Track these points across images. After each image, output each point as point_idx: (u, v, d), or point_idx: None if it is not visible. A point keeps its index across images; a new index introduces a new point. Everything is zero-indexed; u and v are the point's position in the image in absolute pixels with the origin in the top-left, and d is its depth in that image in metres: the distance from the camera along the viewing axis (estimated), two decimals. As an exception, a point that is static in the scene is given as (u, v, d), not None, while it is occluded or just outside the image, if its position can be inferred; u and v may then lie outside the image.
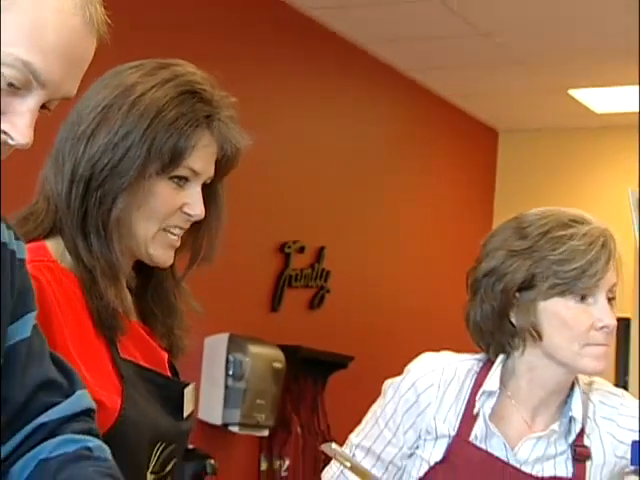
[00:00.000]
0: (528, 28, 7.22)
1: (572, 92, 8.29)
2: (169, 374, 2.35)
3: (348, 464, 1.40)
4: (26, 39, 1.61)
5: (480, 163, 9.18)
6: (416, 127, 8.36)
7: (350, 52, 7.59)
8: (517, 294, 2.76)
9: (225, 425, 6.55)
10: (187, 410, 2.33)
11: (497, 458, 2.79)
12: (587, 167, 8.89)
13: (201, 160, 2.24)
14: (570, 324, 2.74)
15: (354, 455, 2.75)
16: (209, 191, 2.32)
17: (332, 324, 7.40)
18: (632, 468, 1.28)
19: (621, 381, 6.93)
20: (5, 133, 1.64)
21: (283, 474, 6.97)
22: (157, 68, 2.26)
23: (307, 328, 7.21)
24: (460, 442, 2.77)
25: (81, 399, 1.89)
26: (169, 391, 2.30)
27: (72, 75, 1.68)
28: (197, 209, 2.24)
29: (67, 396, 1.86)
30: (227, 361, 6.53)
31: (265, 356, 6.68)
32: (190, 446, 5.78)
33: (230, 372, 6.54)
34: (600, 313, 2.72)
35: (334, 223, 7.49)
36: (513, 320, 2.78)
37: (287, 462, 6.97)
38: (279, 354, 6.79)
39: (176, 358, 2.41)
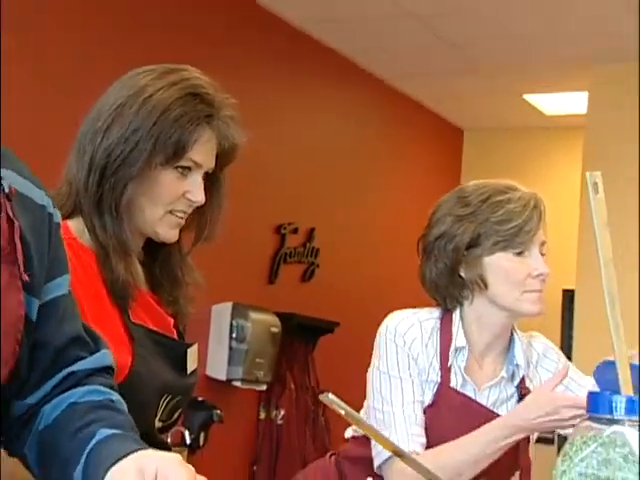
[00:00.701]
0: (490, 41, 7.21)
1: (526, 96, 8.28)
2: (175, 337, 2.36)
3: (342, 412, 1.38)
4: None
5: (448, 157, 9.18)
6: (392, 126, 8.37)
7: (338, 63, 7.57)
8: (465, 252, 2.80)
9: (229, 380, 6.56)
10: (190, 367, 2.35)
11: (474, 400, 2.82)
12: (538, 161, 8.90)
13: (202, 153, 2.25)
14: (511, 274, 2.79)
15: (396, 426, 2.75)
16: (211, 180, 2.34)
17: (321, 295, 7.41)
18: (587, 416, 1.26)
19: (566, 349, 6.91)
20: None
21: (279, 422, 6.98)
22: (166, 72, 2.29)
23: (299, 298, 7.22)
24: (444, 388, 2.80)
25: (105, 357, 1.89)
26: (174, 351, 2.32)
27: None
28: (198, 196, 2.26)
29: (92, 353, 1.86)
30: (231, 326, 6.53)
31: (264, 322, 6.68)
32: (200, 398, 5.87)
33: (234, 335, 6.54)
34: (535, 263, 2.78)
35: (323, 208, 7.49)
36: (462, 274, 2.82)
37: (282, 412, 6.99)
38: (276, 320, 6.79)
39: (182, 323, 2.41)
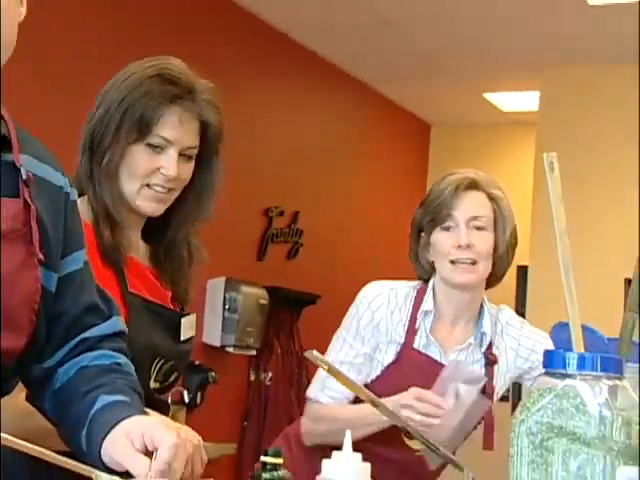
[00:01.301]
0: (454, 45, 7.19)
1: (486, 95, 8.28)
2: (172, 307, 2.30)
3: (326, 367, 1.37)
4: None
5: (417, 149, 9.19)
6: (367, 121, 8.38)
7: (319, 65, 7.55)
8: (422, 234, 2.86)
9: (223, 347, 6.55)
10: (185, 335, 2.30)
11: (436, 361, 2.82)
12: (497, 152, 8.91)
13: (170, 130, 2.17)
14: (437, 246, 2.82)
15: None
16: (202, 160, 2.28)
17: (304, 270, 7.40)
18: (544, 371, 1.25)
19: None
20: None
21: (267, 383, 6.98)
22: (149, 61, 2.24)
23: (285, 273, 7.20)
24: (407, 348, 2.80)
25: (116, 323, 1.88)
26: (169, 319, 2.26)
27: None
28: (171, 171, 2.18)
29: (105, 319, 1.85)
30: (224, 298, 6.53)
31: (253, 294, 6.68)
32: (197, 362, 5.86)
33: (227, 307, 6.53)
34: (458, 237, 2.78)
35: (306, 194, 7.48)
36: (427, 256, 2.87)
37: (270, 374, 6.98)
38: (264, 293, 6.79)
39: (184, 303, 2.36)
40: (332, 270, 7.70)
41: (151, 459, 1.55)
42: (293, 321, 7.23)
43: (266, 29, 6.90)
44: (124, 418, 1.62)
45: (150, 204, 2.22)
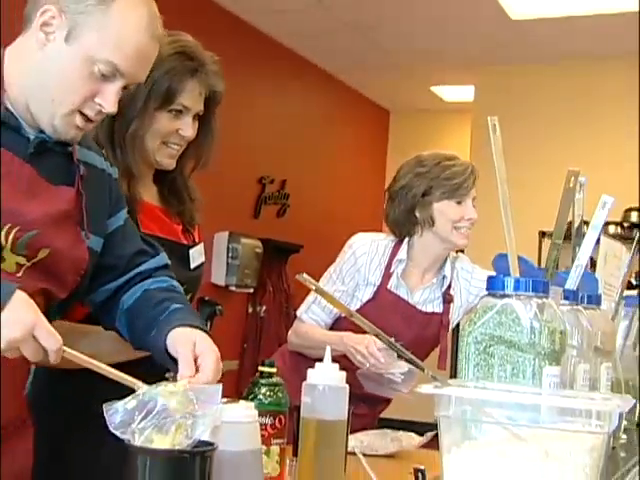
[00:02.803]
0: (407, 46, 7.17)
1: (432, 88, 8.26)
2: (181, 240, 2.23)
3: (314, 287, 1.35)
4: (114, 47, 1.55)
5: (378, 130, 9.17)
6: (338, 108, 8.36)
7: (299, 64, 7.50)
8: (420, 199, 2.79)
9: (227, 286, 6.55)
10: (194, 263, 2.23)
11: (403, 299, 2.81)
12: (440, 133, 8.93)
13: (189, 99, 2.11)
14: (451, 215, 2.79)
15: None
16: (203, 120, 2.19)
17: (290, 226, 7.41)
18: (486, 293, 1.24)
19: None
20: (100, 105, 1.57)
21: (262, 315, 6.98)
22: (167, 37, 2.09)
23: (275, 228, 7.21)
24: (382, 289, 2.81)
25: (162, 258, 1.88)
26: (179, 250, 2.18)
27: (142, 68, 1.63)
28: (188, 132, 2.11)
29: (153, 256, 1.86)
30: (228, 248, 6.51)
31: (251, 245, 6.67)
32: (206, 298, 5.80)
33: (230, 254, 6.52)
34: (468, 211, 2.80)
35: (292, 166, 7.46)
36: (417, 214, 2.81)
37: (264, 307, 6.99)
38: (259, 244, 6.80)
39: (191, 226, 2.29)
40: (312, 225, 7.71)
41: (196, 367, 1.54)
42: (282, 265, 7.22)
43: (264, 39, 6.86)
44: (190, 324, 1.63)
45: (167, 160, 2.16)
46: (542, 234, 6.84)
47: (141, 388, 1.39)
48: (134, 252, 1.81)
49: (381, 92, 8.59)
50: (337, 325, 2.84)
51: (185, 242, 2.24)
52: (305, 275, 1.19)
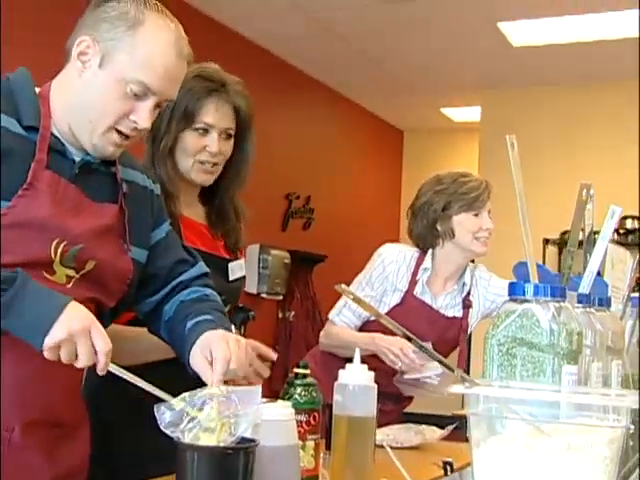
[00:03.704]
0: (419, 71, 7.15)
1: (442, 109, 8.23)
2: (223, 255, 2.19)
3: (351, 297, 1.33)
4: (143, 67, 1.55)
5: (393, 148, 9.11)
6: (356, 129, 8.31)
7: (319, 90, 7.50)
8: (441, 213, 2.79)
9: (258, 293, 6.52)
10: (233, 276, 2.19)
11: (427, 304, 2.81)
12: (450, 151, 8.87)
13: (211, 116, 2.07)
14: (469, 227, 2.79)
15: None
16: (239, 141, 2.16)
17: (315, 238, 7.36)
18: (508, 298, 1.22)
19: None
20: (135, 122, 1.57)
21: (291, 320, 6.93)
22: (192, 66, 2.09)
23: (302, 240, 7.16)
24: (409, 295, 2.81)
25: (201, 267, 1.87)
26: (219, 263, 2.15)
27: (172, 86, 1.61)
28: (214, 147, 2.07)
29: (192, 266, 1.85)
30: (259, 259, 6.49)
31: (279, 256, 6.65)
32: (240, 305, 5.79)
33: (261, 265, 6.50)
34: (485, 222, 2.79)
35: (316, 183, 7.40)
36: (438, 228, 2.80)
37: (293, 313, 6.95)
38: (287, 255, 6.76)
39: (235, 249, 2.24)
40: (335, 237, 7.66)
41: None
42: (308, 274, 7.18)
43: (289, 68, 6.87)
44: (201, 333, 1.62)
45: (201, 176, 2.12)
46: (546, 241, 6.79)
47: (181, 399, 1.38)
48: (175, 261, 1.81)
49: (395, 114, 8.57)
50: (365, 327, 2.83)
51: (225, 256, 2.21)
52: (343, 286, 1.18)
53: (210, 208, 2.23)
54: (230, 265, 2.20)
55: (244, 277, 2.28)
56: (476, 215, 2.77)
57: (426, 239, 2.82)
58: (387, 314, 2.76)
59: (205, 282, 1.84)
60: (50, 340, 1.38)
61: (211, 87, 2.09)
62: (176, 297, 1.78)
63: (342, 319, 2.84)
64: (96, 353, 1.40)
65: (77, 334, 1.38)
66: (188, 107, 2.06)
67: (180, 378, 1.50)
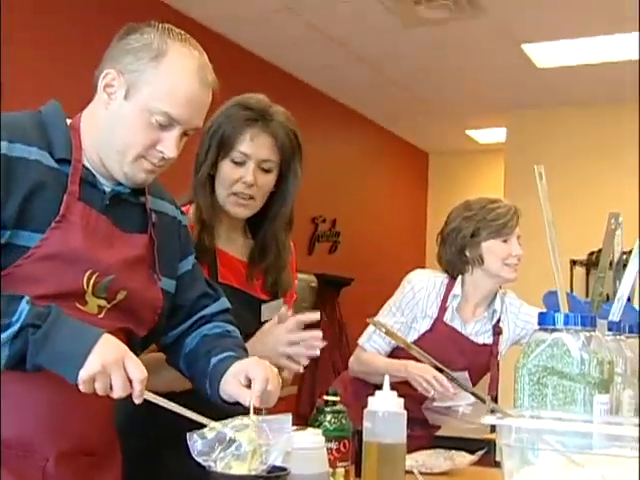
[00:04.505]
0: (444, 94, 7.16)
1: (467, 131, 8.23)
2: (259, 294, 2.08)
3: (384, 329, 1.33)
4: (166, 98, 1.56)
5: (418, 170, 9.12)
6: (382, 152, 8.32)
7: (346, 115, 7.52)
8: (469, 239, 2.78)
9: (285, 317, 6.51)
10: (264, 317, 2.05)
11: (458, 331, 2.81)
12: (475, 173, 8.87)
13: (249, 147, 1.98)
14: (499, 253, 2.78)
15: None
16: (282, 175, 2.07)
17: (341, 261, 7.36)
18: (538, 328, 1.22)
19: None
20: (161, 152, 1.58)
21: (316, 343, 6.92)
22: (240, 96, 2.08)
23: (328, 263, 7.16)
24: (439, 321, 2.79)
25: (223, 303, 1.86)
26: (252, 303, 2.06)
27: (196, 115, 1.62)
28: (248, 178, 1.98)
29: (215, 300, 1.84)
30: (286, 283, 6.49)
31: (306, 279, 6.63)
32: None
33: (287, 288, 6.50)
34: (514, 248, 2.78)
35: (341, 207, 7.42)
36: (467, 254, 2.79)
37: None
38: (313, 278, 6.73)
39: (272, 289, 2.10)
40: (361, 260, 7.64)
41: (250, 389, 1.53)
42: (335, 297, 7.17)
43: (315, 93, 6.91)
44: (228, 367, 1.62)
45: (235, 209, 2.03)
46: (573, 262, 6.75)
47: (215, 426, 1.39)
48: (198, 295, 1.80)
49: (421, 136, 8.58)
50: (395, 353, 2.82)
51: (260, 296, 2.10)
52: (375, 318, 1.18)
53: (254, 244, 2.12)
54: (263, 306, 2.09)
55: None
56: (505, 241, 2.76)
57: (455, 265, 2.81)
58: (417, 341, 2.77)
59: (227, 318, 1.83)
60: (84, 373, 1.39)
61: (249, 116, 2.01)
62: (198, 330, 1.78)
63: (372, 345, 2.83)
64: (131, 382, 1.41)
65: (110, 366, 1.40)
66: (224, 135, 2.00)
67: (195, 410, 1.50)
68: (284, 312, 1.97)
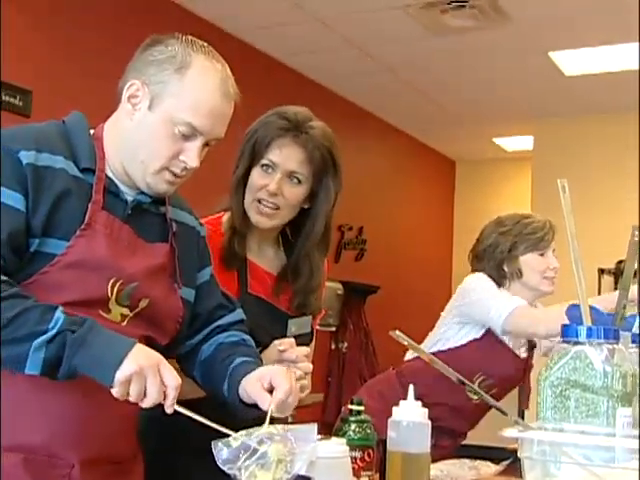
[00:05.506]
0: (470, 104, 7.15)
1: (494, 139, 8.21)
2: (284, 309, 2.05)
3: (406, 342, 1.34)
4: (190, 109, 1.58)
5: (445, 179, 9.10)
6: (408, 161, 8.32)
7: (374, 123, 7.51)
8: (507, 254, 2.78)
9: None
10: (290, 332, 2.01)
11: (505, 344, 2.81)
12: (503, 181, 8.84)
13: (278, 156, 1.96)
14: (536, 266, 2.79)
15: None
16: (314, 191, 2.04)
17: (367, 269, 7.35)
18: (560, 340, 1.22)
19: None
20: (184, 162, 1.60)
21: (344, 351, 6.90)
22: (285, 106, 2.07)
23: (354, 271, 7.15)
24: (490, 332, 2.78)
25: (239, 313, 1.87)
26: (279, 318, 2.02)
27: (219, 126, 1.64)
28: (272, 186, 1.95)
29: (230, 311, 1.85)
30: (312, 291, 6.49)
31: (333, 287, 6.63)
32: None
33: (314, 296, 6.50)
34: (551, 261, 2.79)
35: (367, 215, 7.41)
36: (505, 268, 2.80)
37: (345, 344, 6.91)
38: (340, 286, 6.75)
39: (297, 310, 2.06)
40: (388, 268, 7.63)
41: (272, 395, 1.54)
42: (361, 305, 7.16)
43: (346, 103, 6.92)
44: (254, 369, 1.64)
45: (256, 216, 1.99)
46: (601, 271, 6.69)
47: (238, 437, 1.40)
48: (215, 305, 1.81)
49: (448, 145, 8.57)
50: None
51: (289, 311, 2.06)
52: (398, 332, 1.19)
53: (288, 263, 2.08)
54: (290, 321, 2.05)
55: (307, 335, 2.12)
56: (542, 255, 2.77)
57: (494, 280, 2.81)
58: (463, 345, 2.77)
59: (242, 328, 1.84)
60: (121, 375, 1.40)
61: (283, 125, 1.98)
62: (214, 338, 1.79)
63: (519, 300, 2.75)
64: (165, 389, 1.43)
65: (147, 368, 1.41)
66: (257, 142, 1.99)
67: (209, 417, 1.51)
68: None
